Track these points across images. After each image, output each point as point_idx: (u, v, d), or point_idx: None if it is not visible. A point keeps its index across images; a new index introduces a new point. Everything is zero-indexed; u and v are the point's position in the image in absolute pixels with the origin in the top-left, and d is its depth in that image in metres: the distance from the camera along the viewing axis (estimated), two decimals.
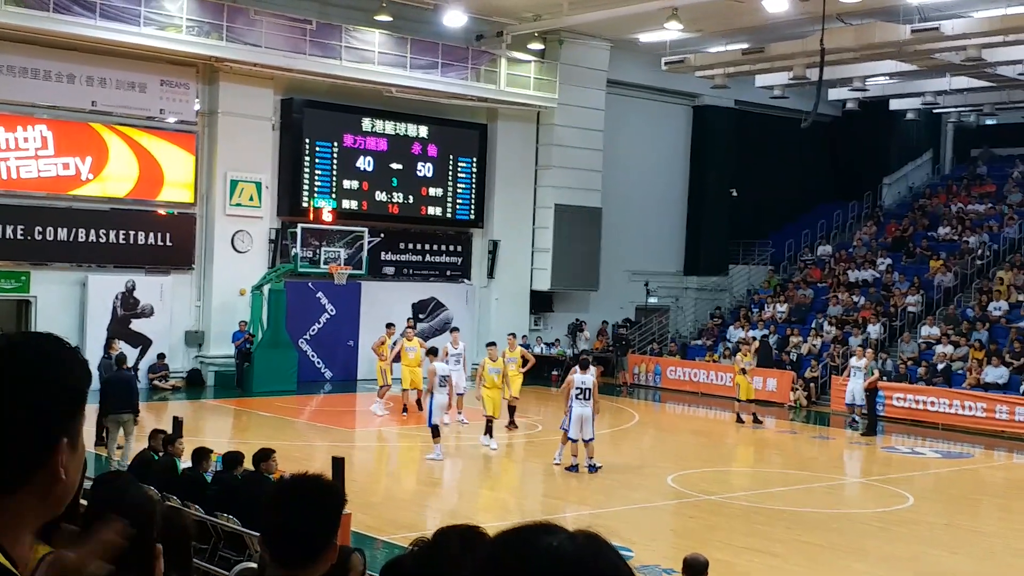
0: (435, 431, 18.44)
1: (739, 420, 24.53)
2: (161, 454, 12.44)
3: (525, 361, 23.00)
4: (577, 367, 18.38)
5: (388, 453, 20.34)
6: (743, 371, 24.82)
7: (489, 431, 19.94)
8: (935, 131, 41.50)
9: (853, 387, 24.27)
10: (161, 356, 26.36)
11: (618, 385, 30.91)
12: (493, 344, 21.38)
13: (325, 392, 27.55)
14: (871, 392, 23.74)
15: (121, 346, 25.20)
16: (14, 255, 24.92)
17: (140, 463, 12.39)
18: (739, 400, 24.74)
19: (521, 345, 32.12)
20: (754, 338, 29.44)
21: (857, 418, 24.44)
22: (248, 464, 11.27)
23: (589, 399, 17.67)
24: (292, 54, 27.09)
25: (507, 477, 19.25)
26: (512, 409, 21.69)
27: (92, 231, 25.88)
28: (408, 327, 24.69)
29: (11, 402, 1.71)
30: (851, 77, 32.30)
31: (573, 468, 17.80)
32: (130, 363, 25.35)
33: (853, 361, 24.78)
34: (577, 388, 17.70)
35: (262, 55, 26.69)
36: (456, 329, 25.02)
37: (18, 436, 1.71)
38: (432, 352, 20.94)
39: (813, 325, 30.31)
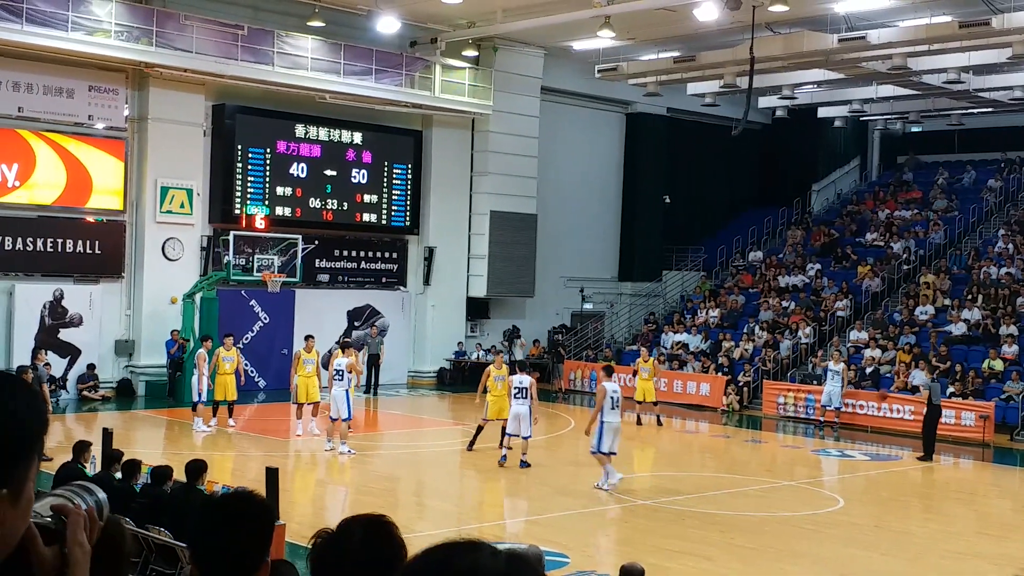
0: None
1: (639, 422, 25.06)
2: (86, 465, 12.25)
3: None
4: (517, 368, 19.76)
5: (322, 462, 20.18)
6: (635, 374, 25.96)
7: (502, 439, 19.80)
8: (862, 138, 42.25)
9: (830, 390, 25.02)
10: (91, 366, 25.92)
11: (554, 391, 31.01)
12: (500, 352, 21.97)
13: (259, 401, 27.30)
14: (933, 412, 21.87)
15: (49, 356, 24.87)
16: None
17: (69, 476, 12.17)
18: (639, 402, 25.40)
19: (458, 353, 32.29)
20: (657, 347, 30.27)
21: (824, 421, 25.15)
22: (179, 476, 11.13)
23: (526, 398, 18.53)
24: (224, 59, 26.80)
25: (445, 484, 19.20)
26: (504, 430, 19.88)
27: (19, 239, 25.39)
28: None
29: None
30: (780, 85, 32.79)
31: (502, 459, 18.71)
32: (58, 373, 25.08)
33: (831, 365, 25.34)
34: (515, 388, 18.61)
35: (193, 60, 26.38)
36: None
37: None
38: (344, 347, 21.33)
39: (745, 330, 30.69)
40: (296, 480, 17.89)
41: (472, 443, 20.16)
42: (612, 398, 16.93)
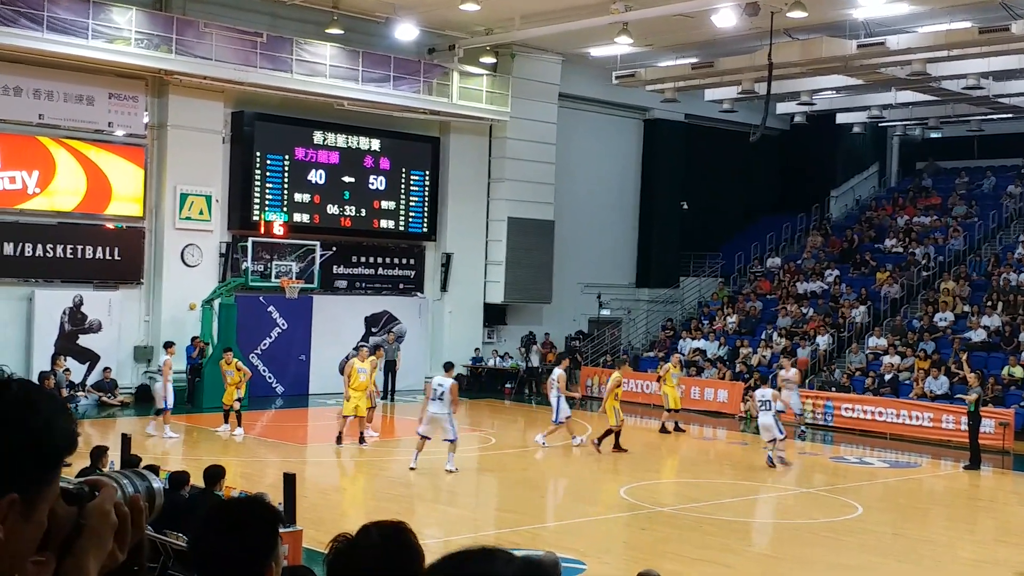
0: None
1: (663, 430, 24.90)
2: (104, 471, 12.34)
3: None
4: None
5: (340, 468, 20.23)
6: (660, 379, 25.72)
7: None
8: (881, 144, 42.09)
9: (791, 400, 24.89)
10: (107, 370, 26.01)
11: (571, 397, 30.94)
12: (625, 361, 23.17)
13: (276, 407, 27.36)
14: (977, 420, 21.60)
15: (68, 362, 25.02)
16: None
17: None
18: (667, 409, 25.11)
19: (475, 359, 32.29)
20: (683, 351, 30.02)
21: (804, 428, 25.18)
22: (197, 481, 11.18)
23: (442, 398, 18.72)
24: (243, 67, 26.94)
25: (461, 491, 19.20)
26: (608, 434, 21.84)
27: (39, 246, 25.55)
28: (361, 345, 24.10)
29: None
30: (798, 91, 32.71)
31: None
32: (77, 379, 25.21)
33: (783, 373, 25.10)
34: (433, 389, 18.79)
35: (212, 68, 26.51)
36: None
37: None
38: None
39: (763, 336, 30.59)
40: (314, 486, 17.91)
41: (600, 440, 21.45)
42: (435, 390, 18.80)
